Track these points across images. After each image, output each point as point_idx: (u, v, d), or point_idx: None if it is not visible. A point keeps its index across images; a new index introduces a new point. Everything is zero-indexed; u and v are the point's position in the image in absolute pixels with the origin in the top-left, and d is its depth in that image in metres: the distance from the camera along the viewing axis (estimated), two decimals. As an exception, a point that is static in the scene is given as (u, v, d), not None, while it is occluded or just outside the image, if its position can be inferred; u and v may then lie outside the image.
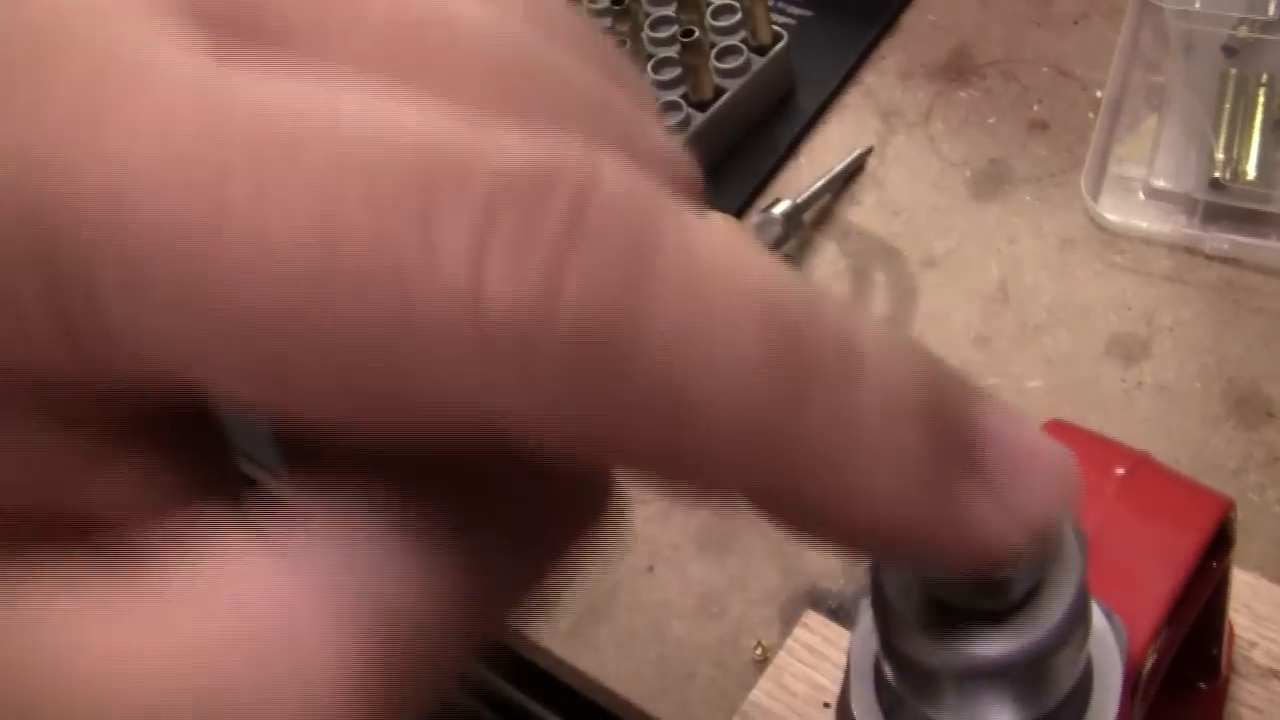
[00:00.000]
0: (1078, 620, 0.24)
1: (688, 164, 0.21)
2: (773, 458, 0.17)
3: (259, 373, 0.16)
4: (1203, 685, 0.51)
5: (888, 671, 0.27)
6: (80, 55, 0.16)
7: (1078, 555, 0.24)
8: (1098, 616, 0.28)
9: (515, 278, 0.15)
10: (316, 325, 0.15)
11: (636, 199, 0.16)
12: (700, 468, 0.17)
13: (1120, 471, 0.32)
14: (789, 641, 0.61)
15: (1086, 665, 0.27)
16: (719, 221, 0.18)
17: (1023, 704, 0.26)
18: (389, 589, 0.17)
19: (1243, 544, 0.60)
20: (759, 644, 0.62)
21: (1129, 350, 0.67)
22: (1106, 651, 0.28)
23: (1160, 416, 0.65)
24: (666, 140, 0.20)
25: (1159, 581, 0.30)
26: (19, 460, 0.17)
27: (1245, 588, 0.58)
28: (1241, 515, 0.61)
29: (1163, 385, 0.66)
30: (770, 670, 0.60)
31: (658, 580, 0.65)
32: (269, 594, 0.17)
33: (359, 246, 0.15)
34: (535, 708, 0.84)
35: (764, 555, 0.64)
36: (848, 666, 0.29)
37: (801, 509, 0.18)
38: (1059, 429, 0.34)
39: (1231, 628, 0.55)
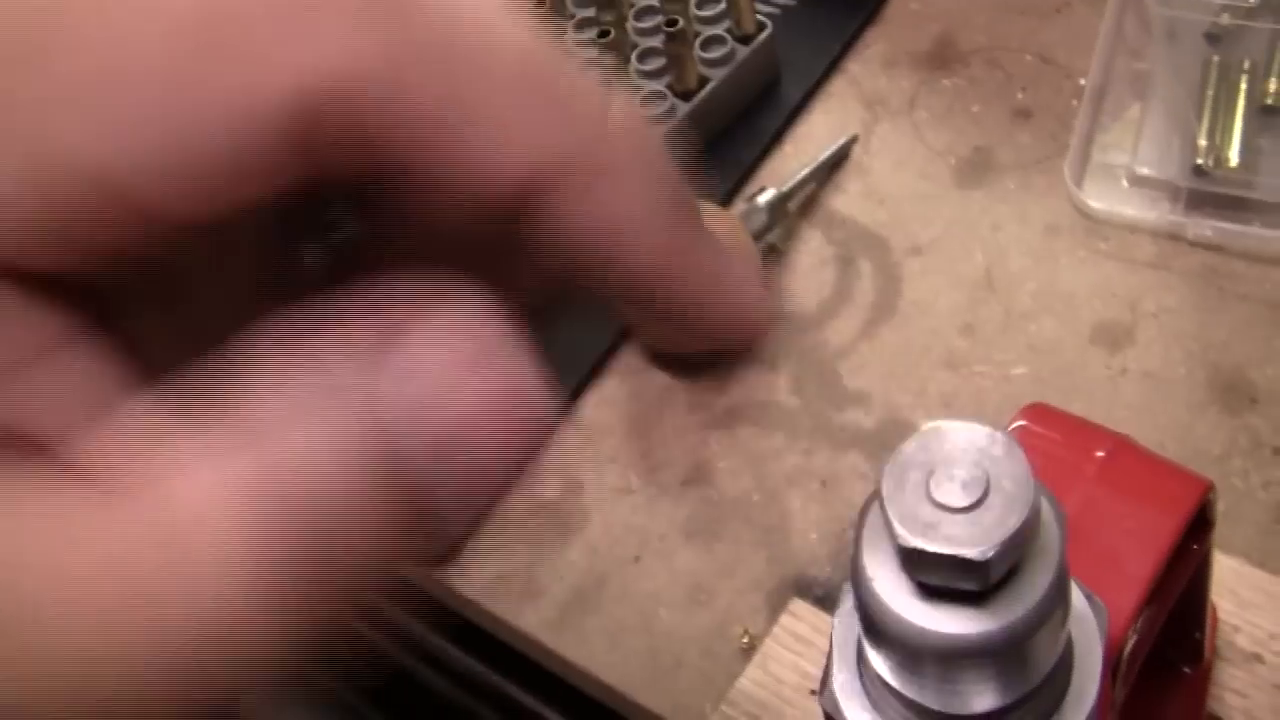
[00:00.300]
0: (1057, 600, 0.24)
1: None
2: (539, 110, 0.20)
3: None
4: (1186, 669, 0.51)
5: (869, 654, 0.27)
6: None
7: (1057, 536, 0.24)
8: (1078, 597, 0.28)
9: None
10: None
11: None
12: (472, 125, 0.19)
13: (1100, 454, 0.32)
14: (776, 629, 0.61)
15: (1067, 646, 0.28)
16: None
17: (1004, 684, 0.26)
18: (301, 481, 0.18)
19: (1227, 529, 0.61)
20: (746, 632, 0.62)
21: (1113, 337, 0.67)
22: (1087, 632, 0.28)
23: (1145, 403, 0.65)
24: None
25: (1139, 563, 0.30)
26: None
27: (1229, 573, 0.58)
28: (1226, 501, 0.62)
29: (1147, 372, 0.66)
30: (757, 658, 0.60)
31: (645, 570, 0.65)
32: (189, 498, 0.17)
33: None
34: (524, 697, 0.85)
35: (751, 544, 0.65)
36: (830, 649, 0.29)
37: (565, 190, 0.20)
38: (1039, 412, 0.34)
39: (1215, 612, 0.56)
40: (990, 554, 0.22)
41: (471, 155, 0.19)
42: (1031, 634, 0.24)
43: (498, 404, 0.20)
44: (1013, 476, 0.23)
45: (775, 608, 0.63)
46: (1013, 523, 0.22)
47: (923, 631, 0.24)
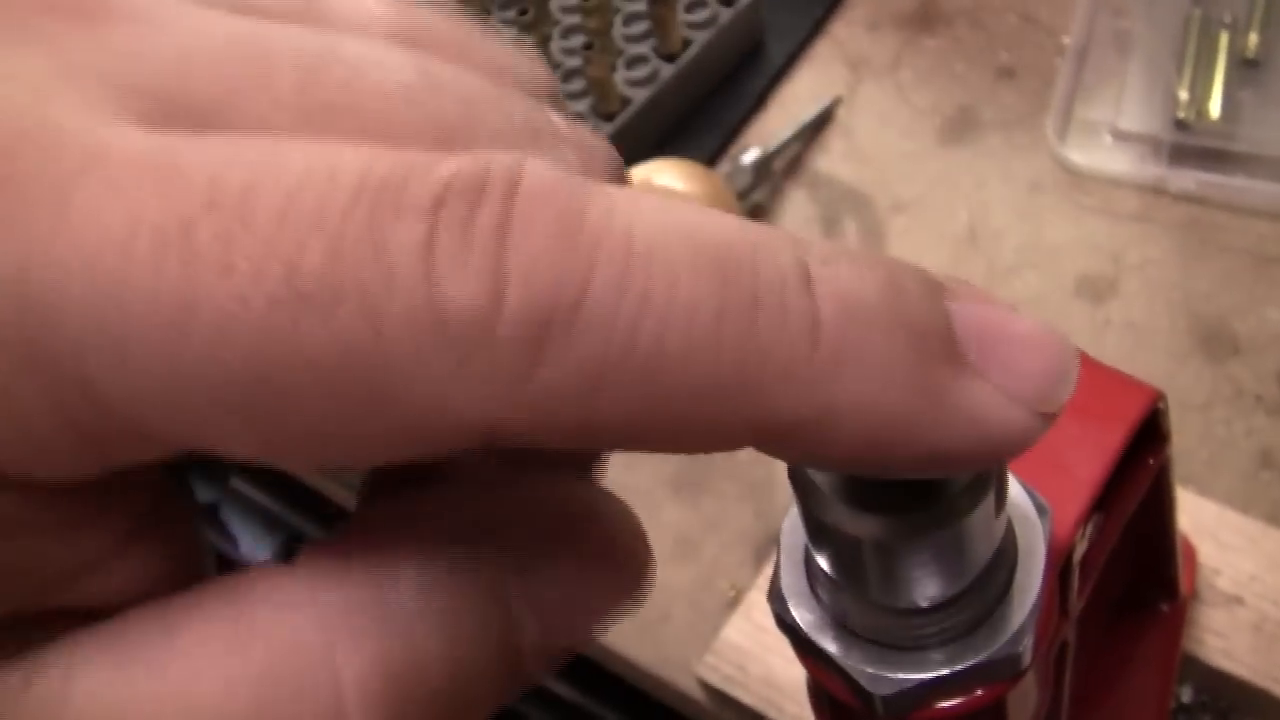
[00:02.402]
0: (990, 481, 0.25)
1: (604, 149, 0.22)
2: (744, 390, 0.18)
3: (253, 422, 0.17)
4: (1164, 607, 0.51)
5: (812, 549, 0.28)
6: (31, 152, 0.16)
7: (987, 420, 0.25)
8: (1024, 500, 0.29)
9: (464, 276, 0.16)
10: (297, 363, 0.16)
11: (560, 183, 0.17)
12: (680, 419, 0.18)
13: (1050, 365, 0.32)
14: (760, 581, 0.62)
15: (1009, 541, 0.28)
16: (640, 189, 0.18)
17: (944, 575, 0.26)
18: (418, 630, 0.18)
19: (1209, 475, 0.61)
20: (732, 585, 0.63)
21: (1097, 289, 0.67)
22: (1030, 531, 0.29)
23: (1129, 353, 0.65)
24: (576, 130, 0.21)
25: (1086, 468, 0.30)
26: (23, 560, 0.18)
27: (1211, 517, 0.59)
28: (1209, 449, 0.62)
29: (1131, 323, 0.66)
30: (742, 608, 0.61)
31: (632, 525, 0.65)
32: (303, 631, 0.18)
33: (322, 279, 0.16)
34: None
35: (737, 498, 0.65)
36: (778, 554, 0.30)
37: (794, 433, 0.19)
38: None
39: (1194, 554, 0.56)
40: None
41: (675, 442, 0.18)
42: (966, 515, 0.25)
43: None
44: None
45: (761, 561, 0.63)
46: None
47: (856, 516, 0.24)
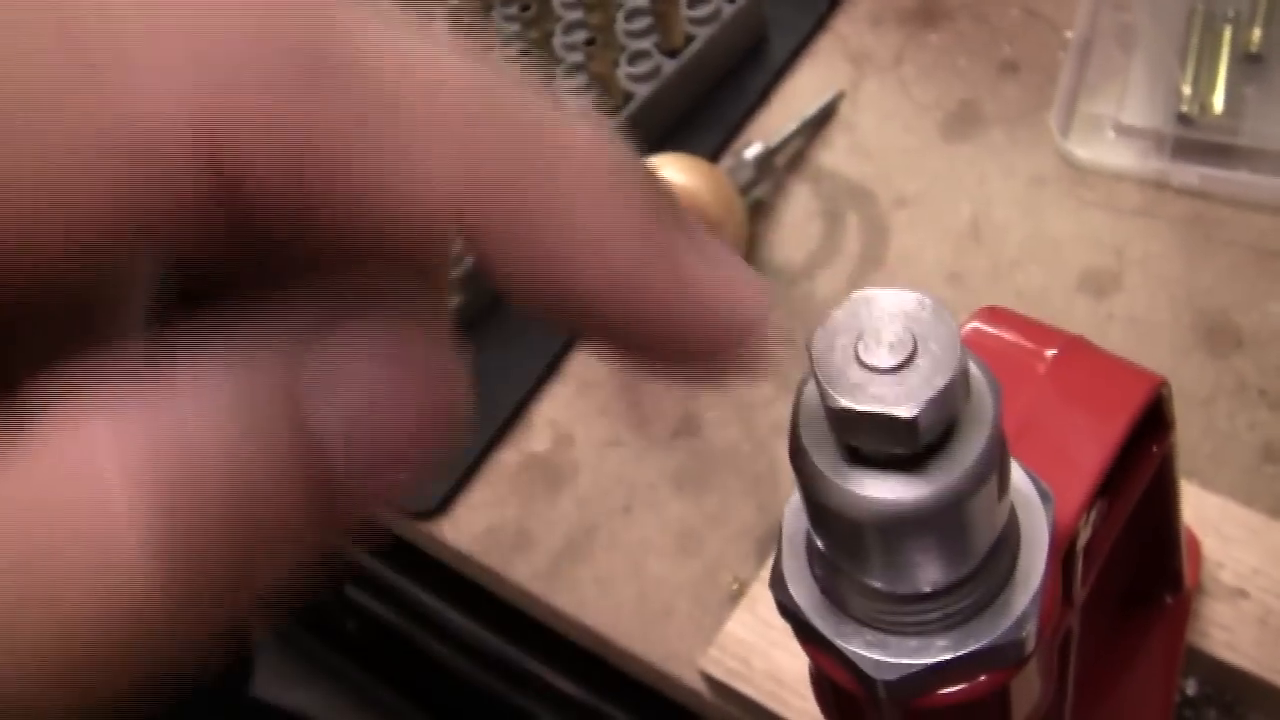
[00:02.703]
0: (991, 466, 0.25)
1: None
2: (498, 210, 0.18)
3: None
4: (1168, 599, 0.51)
5: (814, 534, 0.28)
6: None
7: (990, 402, 0.25)
8: (1024, 482, 0.29)
9: None
10: None
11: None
12: (414, 190, 0.18)
13: (1052, 353, 0.32)
14: (764, 574, 0.61)
15: (1012, 528, 0.28)
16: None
17: (947, 558, 0.26)
18: (206, 449, 0.17)
19: (1213, 469, 0.61)
20: (735, 579, 0.63)
21: (1100, 284, 0.67)
22: (1034, 517, 0.29)
23: (1131, 348, 0.65)
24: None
25: (1089, 455, 0.30)
26: None
27: (1215, 510, 0.58)
28: (1212, 442, 0.62)
29: (1133, 317, 0.66)
30: (745, 602, 0.61)
31: (635, 520, 0.65)
32: (85, 463, 0.16)
33: None
34: (523, 659, 0.85)
35: (740, 493, 0.65)
36: (779, 541, 0.30)
37: (531, 263, 0.18)
38: (993, 314, 0.34)
39: (1199, 546, 0.56)
40: (918, 412, 0.23)
41: (385, 187, 0.18)
42: (967, 500, 0.25)
43: (417, 405, 0.18)
44: (940, 339, 0.23)
45: (764, 555, 0.63)
46: (939, 382, 0.23)
47: (858, 498, 0.24)
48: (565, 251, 0.18)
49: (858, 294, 0.24)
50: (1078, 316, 0.66)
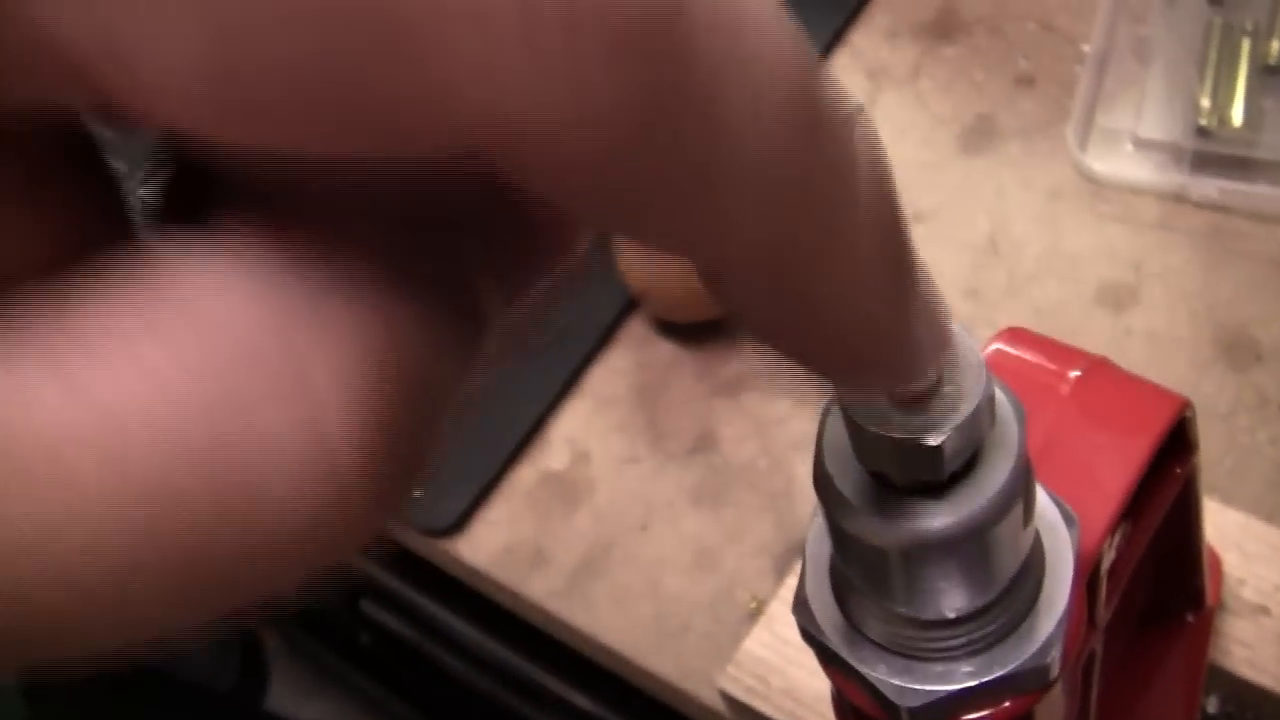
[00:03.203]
0: (1016, 493, 0.24)
1: None
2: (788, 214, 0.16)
3: (214, 74, 0.12)
4: (1189, 617, 0.51)
5: (838, 559, 0.27)
6: None
7: (1015, 428, 0.24)
8: (1049, 507, 0.28)
9: None
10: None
11: None
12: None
13: (1075, 374, 0.32)
14: (782, 592, 0.61)
15: (1037, 553, 0.28)
16: None
17: (970, 586, 0.26)
18: (393, 316, 0.15)
19: (1233, 484, 0.61)
20: (753, 596, 0.63)
21: (1118, 298, 0.67)
22: (1058, 541, 0.28)
23: (1150, 362, 0.65)
24: None
25: (1113, 478, 0.30)
26: None
27: (1235, 526, 0.58)
28: (1232, 457, 0.62)
29: (1152, 331, 0.66)
30: (763, 620, 0.60)
31: (652, 536, 0.65)
32: (258, 325, 0.14)
33: None
34: (540, 675, 0.85)
35: (757, 509, 0.65)
36: (803, 564, 0.29)
37: None
38: (1016, 335, 0.34)
39: (1220, 564, 0.56)
40: (943, 440, 0.22)
41: (681, 236, 0.15)
42: (992, 527, 0.24)
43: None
44: (965, 365, 0.23)
45: (782, 572, 0.63)
46: (965, 409, 0.23)
47: (883, 526, 0.24)
48: (815, 315, 0.17)
49: (882, 321, 0.24)
50: (1096, 331, 0.66)
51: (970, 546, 0.25)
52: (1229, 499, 0.59)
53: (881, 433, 0.23)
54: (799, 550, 0.63)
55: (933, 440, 0.22)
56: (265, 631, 1.62)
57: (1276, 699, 0.55)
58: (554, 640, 0.68)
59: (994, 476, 0.24)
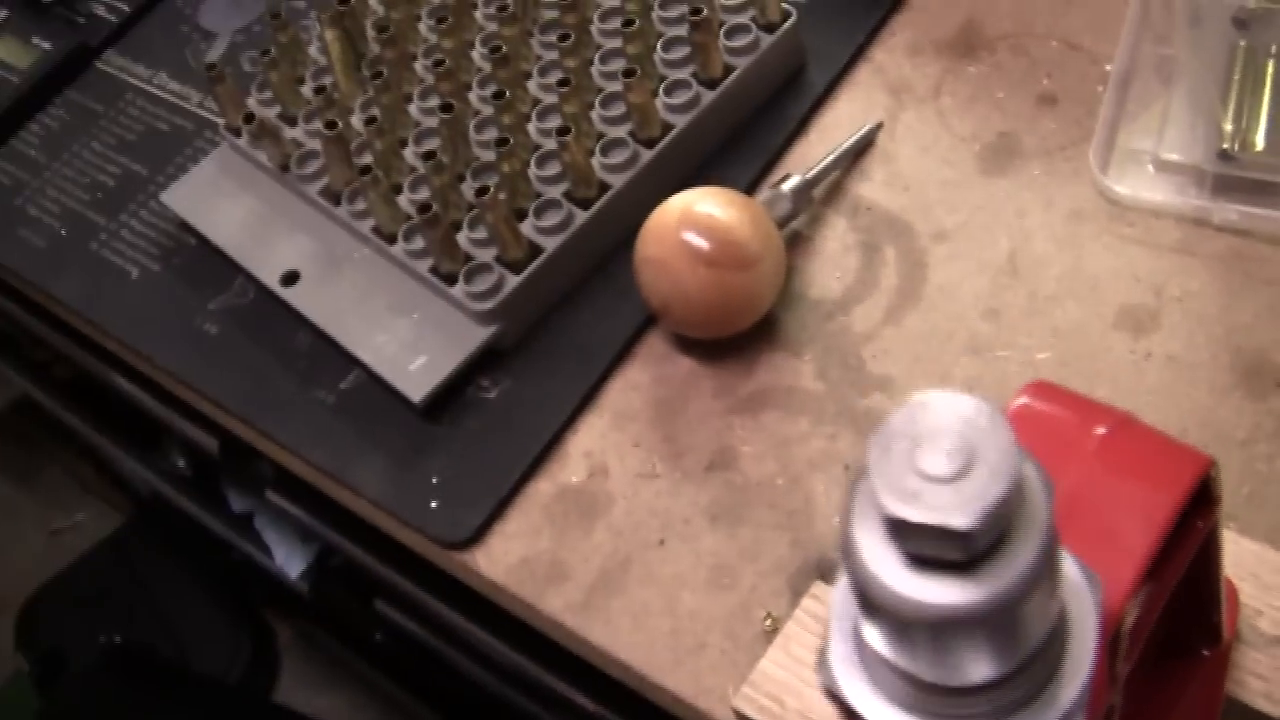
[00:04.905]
0: (1044, 570, 0.25)
1: None
2: None
3: None
4: (1205, 652, 0.51)
5: (864, 627, 0.28)
6: None
7: (1045, 506, 0.25)
8: (1073, 570, 0.29)
9: None
10: None
11: None
12: None
13: (1101, 431, 0.32)
14: (798, 612, 0.61)
15: (1061, 617, 0.28)
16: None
17: (997, 655, 0.26)
18: None
19: (1250, 514, 0.61)
20: (769, 615, 0.63)
21: (1138, 321, 0.67)
22: (1082, 605, 0.28)
23: (1169, 387, 0.65)
24: None
25: (1137, 538, 0.30)
26: None
27: (1251, 557, 0.58)
28: (1250, 485, 0.62)
29: (1171, 356, 0.66)
30: (779, 640, 0.60)
31: (669, 553, 0.65)
32: None
33: None
34: (552, 681, 0.85)
35: (774, 527, 0.65)
36: (828, 624, 0.30)
37: None
38: (1042, 389, 0.34)
39: (1236, 595, 0.56)
40: (974, 523, 0.23)
41: None
42: (1020, 604, 0.25)
43: None
44: (997, 447, 0.23)
45: (798, 591, 0.63)
46: (996, 492, 0.23)
47: (911, 602, 0.24)
48: None
49: (915, 398, 0.24)
50: (1114, 354, 0.66)
51: (998, 620, 0.25)
52: (1246, 528, 0.59)
53: (910, 517, 0.23)
54: (815, 570, 0.63)
55: (962, 524, 0.23)
56: (278, 624, 1.63)
57: (1291, 731, 0.55)
58: (565, 649, 0.68)
59: (1022, 555, 0.24)
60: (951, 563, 0.24)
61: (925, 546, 0.24)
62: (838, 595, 0.29)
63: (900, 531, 0.24)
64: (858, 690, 0.29)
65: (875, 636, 0.27)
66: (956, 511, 0.23)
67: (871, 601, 0.25)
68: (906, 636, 0.26)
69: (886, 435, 0.24)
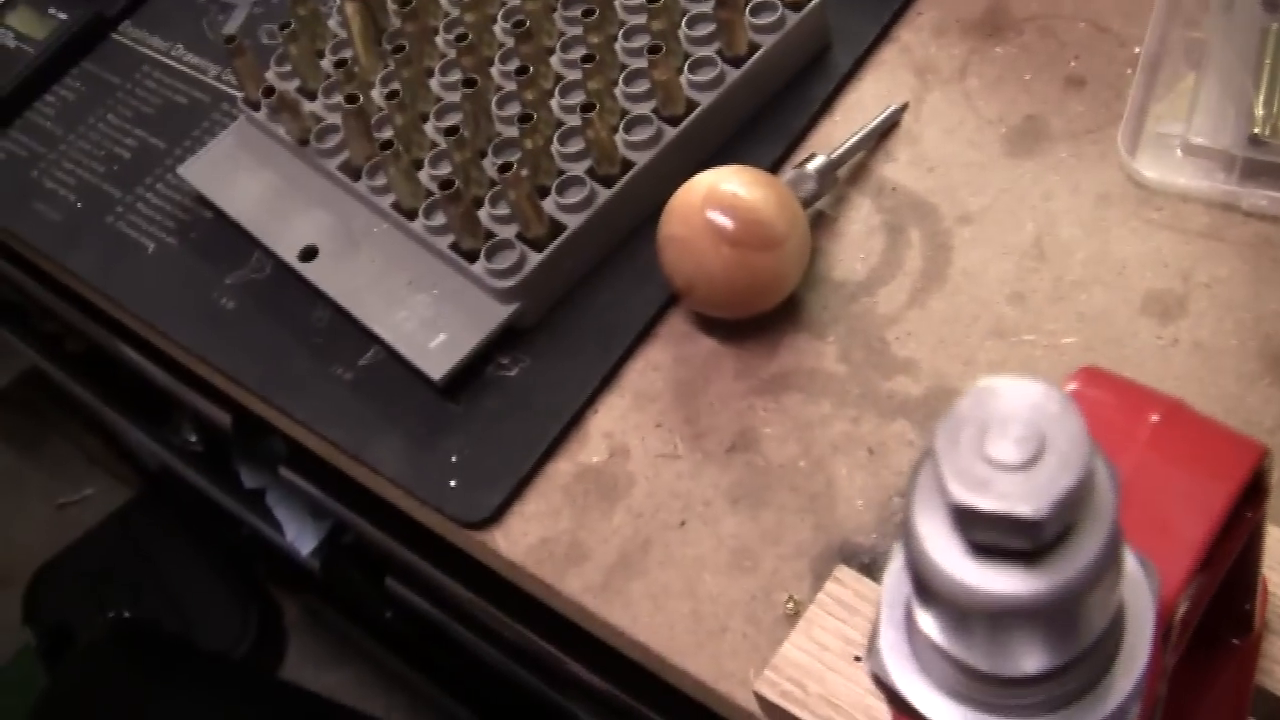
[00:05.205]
0: (1109, 562, 0.24)
1: None
2: None
3: None
4: (1235, 641, 0.51)
5: (918, 614, 0.27)
6: None
7: (1111, 498, 0.24)
8: (1131, 562, 0.28)
9: None
10: None
11: None
12: None
13: (1154, 418, 0.32)
14: (820, 595, 0.61)
15: (1118, 609, 0.28)
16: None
17: (1054, 646, 0.26)
18: None
19: (1276, 501, 0.60)
20: (791, 598, 0.62)
21: (1165, 307, 0.67)
22: (1139, 597, 0.28)
23: (1195, 374, 0.64)
24: None
25: (1192, 528, 0.30)
26: None
27: (1278, 545, 0.58)
28: (1277, 474, 0.61)
29: (1198, 342, 0.65)
30: (801, 624, 0.60)
31: (690, 535, 0.65)
32: None
33: None
34: (568, 662, 0.85)
35: (796, 510, 0.64)
36: (878, 610, 0.29)
37: None
38: (1092, 375, 0.33)
39: (1265, 584, 0.55)
40: (1044, 513, 0.22)
41: None
42: (1082, 596, 0.24)
43: None
44: (1068, 435, 0.23)
45: (820, 574, 0.63)
46: (1067, 482, 0.22)
47: (973, 591, 0.24)
48: None
49: (983, 383, 0.23)
50: (1141, 340, 0.65)
51: (1059, 612, 0.24)
52: (1273, 518, 0.59)
53: (979, 505, 0.22)
54: (837, 553, 0.63)
55: (1032, 513, 0.22)
56: (285, 600, 1.63)
57: (1318, 721, 0.54)
58: (582, 629, 0.68)
59: (1088, 546, 0.24)
60: (1016, 552, 0.24)
61: (991, 536, 0.23)
62: (889, 581, 0.29)
63: (966, 520, 0.23)
64: (907, 679, 0.28)
65: (930, 625, 0.27)
66: (1026, 500, 0.22)
67: (930, 589, 0.25)
68: (964, 626, 0.26)
69: (954, 421, 0.23)
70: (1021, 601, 0.24)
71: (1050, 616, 0.25)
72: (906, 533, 0.25)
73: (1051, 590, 0.24)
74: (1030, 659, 0.26)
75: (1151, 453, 0.31)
